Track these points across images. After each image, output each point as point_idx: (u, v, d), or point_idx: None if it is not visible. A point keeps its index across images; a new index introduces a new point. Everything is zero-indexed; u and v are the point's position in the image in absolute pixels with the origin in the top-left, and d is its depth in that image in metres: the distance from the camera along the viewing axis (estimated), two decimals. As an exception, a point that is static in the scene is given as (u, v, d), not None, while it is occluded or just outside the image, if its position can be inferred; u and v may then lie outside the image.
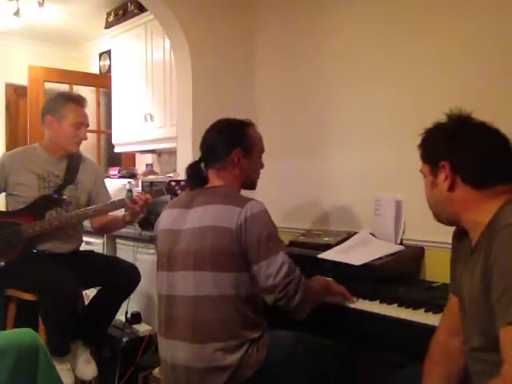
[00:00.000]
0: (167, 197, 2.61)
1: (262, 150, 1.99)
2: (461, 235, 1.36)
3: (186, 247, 1.75)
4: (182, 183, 2.40)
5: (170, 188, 2.44)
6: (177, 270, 1.75)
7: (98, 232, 3.01)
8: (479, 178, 1.26)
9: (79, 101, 2.56)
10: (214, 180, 1.86)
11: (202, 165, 1.91)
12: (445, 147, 1.30)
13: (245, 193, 1.91)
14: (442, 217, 1.37)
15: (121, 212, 2.59)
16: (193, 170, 1.92)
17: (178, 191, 2.42)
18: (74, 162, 2.59)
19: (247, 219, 1.68)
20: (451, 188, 1.28)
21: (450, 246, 1.44)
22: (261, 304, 1.75)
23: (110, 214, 2.60)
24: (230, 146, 1.85)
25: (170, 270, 1.78)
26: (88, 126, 2.62)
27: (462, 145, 1.29)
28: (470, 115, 1.32)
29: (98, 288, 2.57)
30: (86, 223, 2.70)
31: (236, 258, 1.68)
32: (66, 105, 2.50)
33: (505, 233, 1.13)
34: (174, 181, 2.48)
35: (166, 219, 1.88)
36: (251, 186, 1.98)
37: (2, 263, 2.32)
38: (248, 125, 1.93)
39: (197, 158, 1.95)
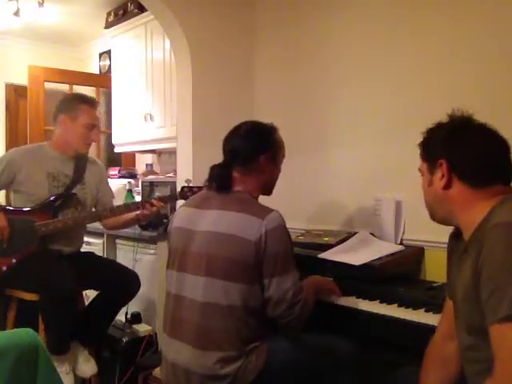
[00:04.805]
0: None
1: (284, 156, 1.97)
2: (457, 236, 1.36)
3: (198, 249, 1.73)
4: (195, 189, 2.42)
5: (183, 193, 2.48)
6: (187, 272, 1.74)
7: (103, 231, 3.06)
8: (476, 177, 1.27)
9: (93, 103, 2.60)
10: (237, 183, 1.80)
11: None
12: (442, 145, 1.31)
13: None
14: (437, 215, 1.37)
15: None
16: (218, 172, 1.82)
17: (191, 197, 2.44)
18: (81, 161, 2.60)
19: (268, 233, 1.66)
20: (447, 186, 1.29)
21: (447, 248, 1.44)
22: (266, 315, 1.73)
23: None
24: (258, 151, 1.83)
25: (180, 270, 1.77)
26: (99, 128, 2.65)
27: (459, 143, 1.30)
28: (471, 116, 1.33)
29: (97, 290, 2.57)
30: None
31: (250, 270, 1.66)
32: (80, 105, 2.53)
33: (493, 233, 1.14)
34: (187, 187, 2.50)
35: (181, 217, 1.85)
36: (269, 192, 1.94)
37: (14, 260, 2.33)
38: (274, 130, 1.92)
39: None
